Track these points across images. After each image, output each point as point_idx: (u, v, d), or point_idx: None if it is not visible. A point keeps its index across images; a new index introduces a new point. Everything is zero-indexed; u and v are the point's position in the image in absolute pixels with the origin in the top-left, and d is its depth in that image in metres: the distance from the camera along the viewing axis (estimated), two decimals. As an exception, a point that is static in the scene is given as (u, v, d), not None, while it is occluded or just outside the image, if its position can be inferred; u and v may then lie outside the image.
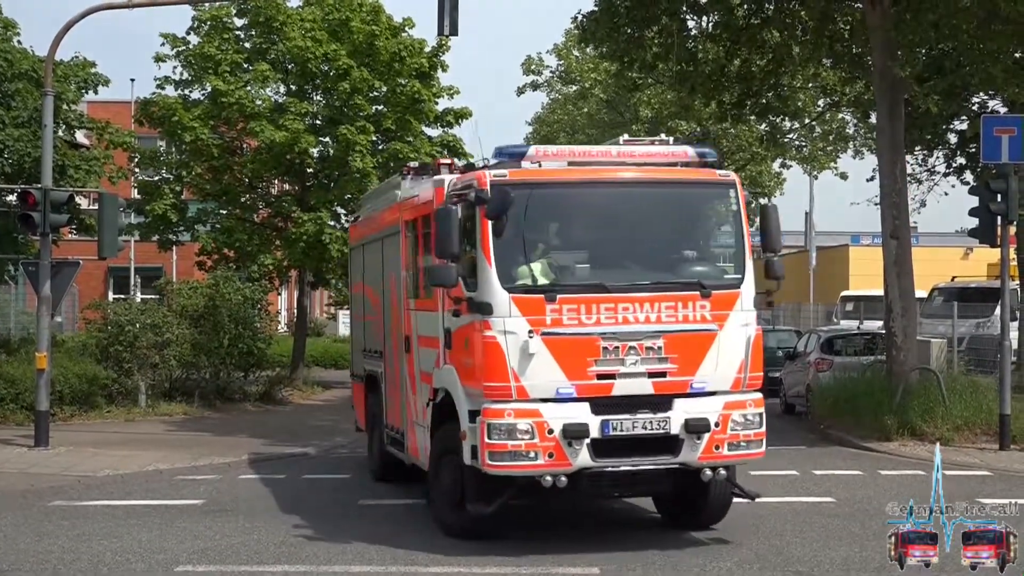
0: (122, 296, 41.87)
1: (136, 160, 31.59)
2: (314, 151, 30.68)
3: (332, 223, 30.03)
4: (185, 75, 30.51)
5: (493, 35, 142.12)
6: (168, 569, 11.28)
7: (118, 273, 47.35)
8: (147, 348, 24.93)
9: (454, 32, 21.68)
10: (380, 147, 30.63)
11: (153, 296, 33.20)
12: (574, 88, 50.10)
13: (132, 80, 49.31)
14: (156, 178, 31.54)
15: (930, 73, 23.96)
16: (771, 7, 25.06)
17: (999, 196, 19.21)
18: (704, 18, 25.77)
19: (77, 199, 28.63)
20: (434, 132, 31.93)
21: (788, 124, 38.39)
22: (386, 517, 14.09)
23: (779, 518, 13.62)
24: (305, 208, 30.07)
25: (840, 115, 38.94)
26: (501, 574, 11.10)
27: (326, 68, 29.96)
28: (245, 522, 13.65)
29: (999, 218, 19.43)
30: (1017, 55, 22.10)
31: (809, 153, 45.47)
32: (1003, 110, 25.98)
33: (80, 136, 32.00)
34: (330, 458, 19.58)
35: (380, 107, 30.83)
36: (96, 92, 30.67)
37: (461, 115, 31.89)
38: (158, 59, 30.48)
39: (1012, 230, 22.19)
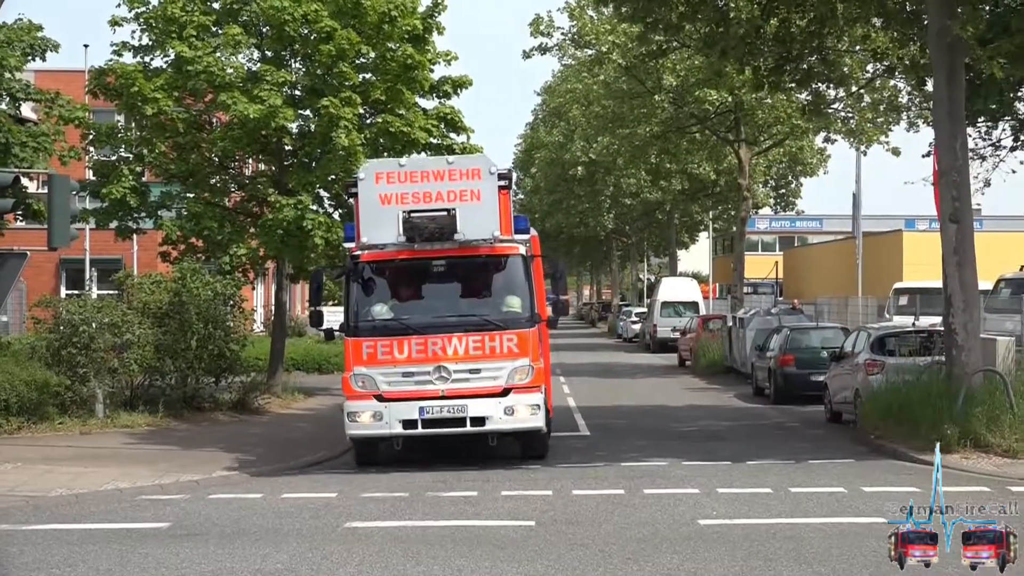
0: (76, 292, 41.66)
1: (91, 137, 31.32)
2: (293, 126, 30.50)
3: (314, 208, 30.00)
4: (145, 40, 30.35)
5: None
6: (129, 602, 11.28)
7: (71, 266, 47.25)
8: (105, 351, 24.91)
9: (451, -10, 21.72)
10: (368, 121, 30.60)
11: (111, 292, 33.18)
12: (589, 53, 50.16)
13: (86, 46, 49.45)
14: (113, 157, 31.44)
15: (995, 33, 23.83)
16: (813, -42, 25.03)
17: (1074, 173, 19.18)
18: (737, -29, 25.77)
19: (23, 181, 28.71)
20: (429, 104, 31.93)
21: (833, 92, 38.25)
22: (371, 540, 14.08)
23: (824, 542, 13.59)
24: (283, 191, 30.00)
25: (892, 82, 38.98)
26: None
27: (306, 31, 29.79)
28: (216, 548, 13.61)
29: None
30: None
31: (857, 125, 45.51)
32: (1079, 75, 25.91)
33: (26, 110, 32.04)
34: (313, 475, 19.58)
35: (368, 75, 30.72)
36: (44, 59, 30.84)
37: (460, 84, 31.80)
38: (114, 22, 30.34)
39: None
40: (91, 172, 32.00)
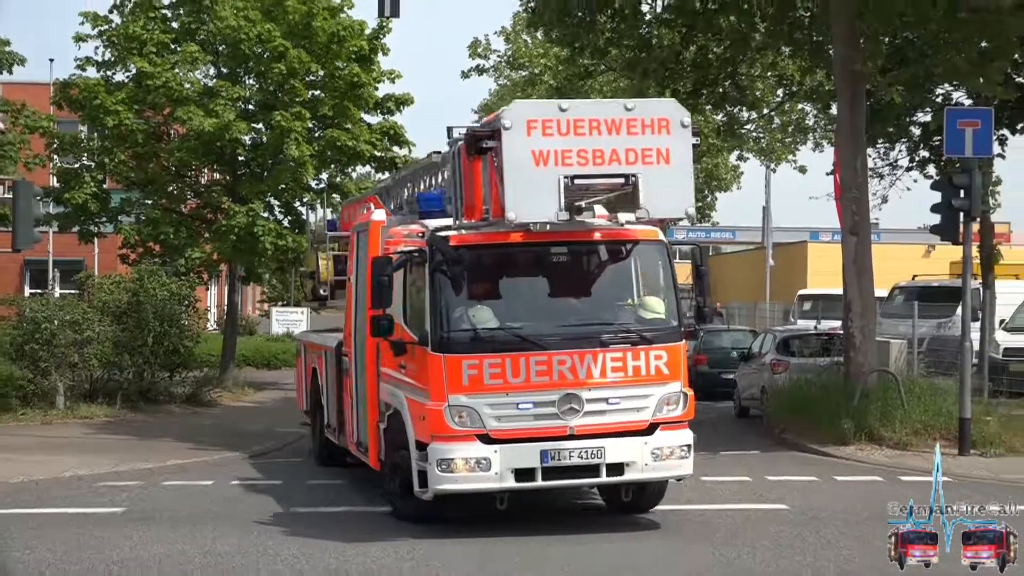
0: (39, 291, 41.40)
1: (55, 146, 30.99)
2: (246, 138, 30.31)
3: (265, 215, 29.82)
4: (108, 56, 30.04)
5: (438, 16, 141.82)
6: (85, 582, 11.18)
7: (35, 266, 46.73)
8: (66, 346, 24.65)
9: (395, 14, 21.80)
10: (317, 134, 30.44)
11: (73, 291, 32.89)
12: (523, 74, 50.12)
13: (51, 60, 48.98)
14: (76, 165, 31.10)
15: (893, 63, 24.20)
16: (729, -5, 25.23)
17: (962, 192, 19.45)
18: (658, 1, 25.92)
19: (-11, 187, 28.35)
20: (374, 119, 31.80)
21: (745, 114, 38.53)
22: (316, 524, 14.04)
23: (731, 526, 13.72)
24: (236, 199, 29.81)
25: (799, 106, 39.23)
26: None
27: (259, 50, 29.61)
28: (168, 531, 13.53)
29: (962, 214, 19.67)
30: (983, 45, 22.34)
31: (767, 145, 45.82)
32: (967, 102, 26.31)
33: (-7, 120, 31.60)
34: (261, 463, 19.43)
35: (317, 92, 30.64)
36: (11, 72, 30.58)
37: (403, 101, 31.72)
38: (78, 39, 30.06)
39: (975, 227, 22.46)
40: (55, 179, 31.72)
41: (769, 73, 32.77)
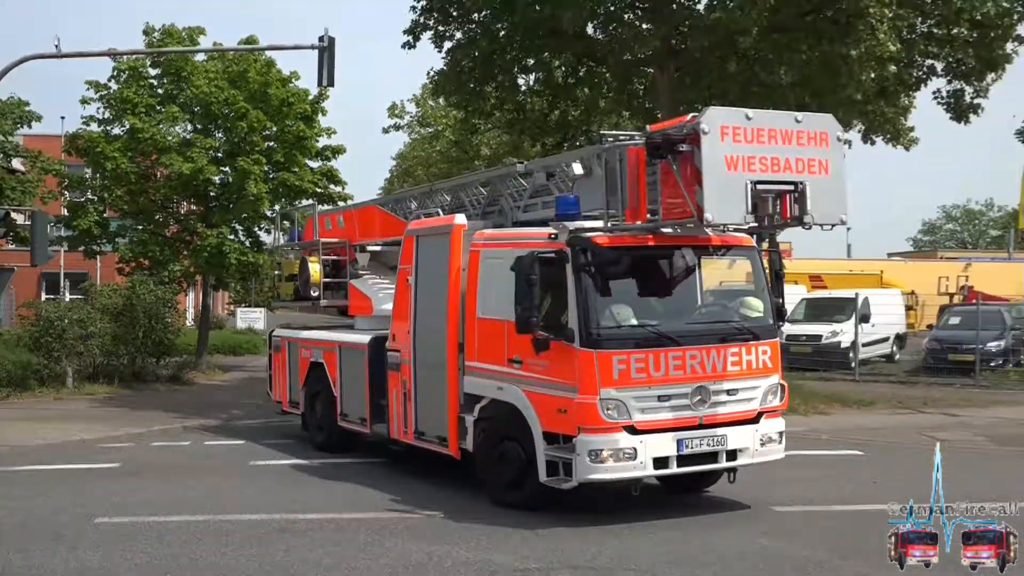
0: (53, 296, 40.60)
1: (65, 183, 30.50)
2: (216, 179, 29.96)
3: (231, 237, 29.59)
4: (107, 114, 29.51)
5: (364, 85, 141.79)
6: (89, 520, 11.08)
7: (49, 278, 45.76)
8: (73, 339, 24.25)
9: (331, 84, 21.76)
10: (271, 176, 30.22)
11: (79, 296, 32.34)
12: (429, 130, 50.27)
13: (62, 117, 48.01)
14: (82, 199, 30.48)
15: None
16: (583, 70, 25.67)
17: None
18: (531, 77, 26.25)
19: (13, 215, 27.77)
20: (315, 164, 31.65)
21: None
22: (270, 474, 14.05)
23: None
24: (208, 225, 29.45)
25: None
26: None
27: (226, 111, 29.32)
28: (154, 481, 13.47)
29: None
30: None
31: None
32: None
33: (16, 163, 30.91)
34: (227, 428, 19.29)
35: (271, 143, 30.35)
36: (30, 127, 29.94)
37: (337, 151, 31.63)
38: (84, 101, 29.46)
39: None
40: (65, 209, 31.00)
41: (615, 130, 33.21)
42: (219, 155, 30.18)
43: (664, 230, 10.99)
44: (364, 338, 14.77)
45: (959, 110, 23.21)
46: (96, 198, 30.08)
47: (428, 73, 26.11)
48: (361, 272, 16.98)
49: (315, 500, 12.14)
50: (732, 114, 10.54)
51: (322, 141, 31.32)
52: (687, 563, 9.38)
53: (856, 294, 30.04)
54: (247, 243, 30.84)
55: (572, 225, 11.04)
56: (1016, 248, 66.28)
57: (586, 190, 11.61)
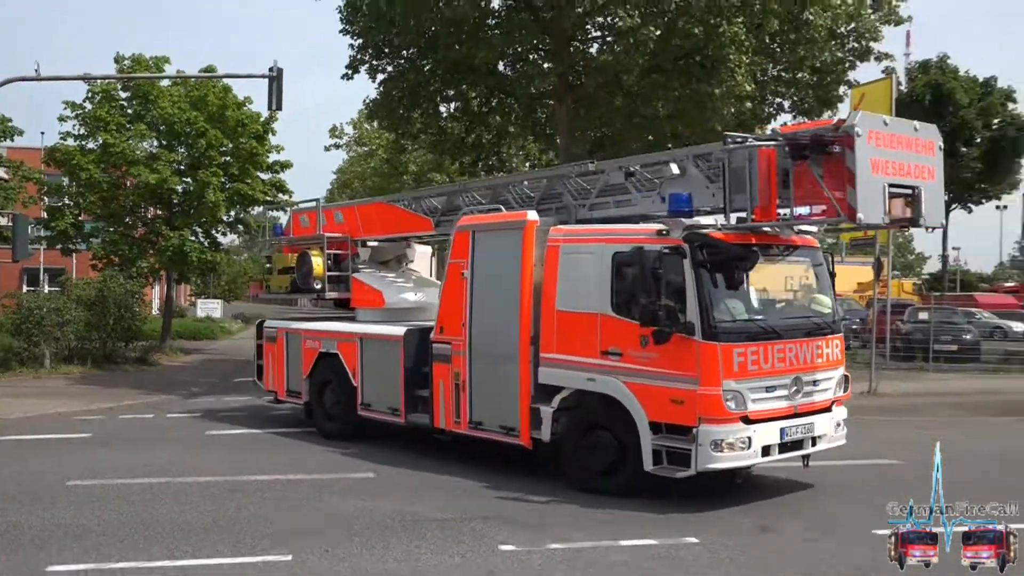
0: (33, 288, 39.05)
1: (44, 190, 29.27)
2: (179, 188, 29.25)
3: (192, 238, 28.90)
4: (82, 131, 28.48)
5: (309, 109, 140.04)
6: (62, 483, 10.67)
7: (30, 272, 43.96)
8: (51, 326, 23.28)
9: (279, 108, 21.35)
10: (227, 186, 29.59)
11: (57, 288, 31.19)
12: (365, 149, 49.77)
13: (42, 133, 46.43)
14: (60, 204, 29.43)
15: (595, 148, 25.05)
16: (495, 101, 25.64)
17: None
18: (451, 105, 26.15)
19: (-3, 218, 26.61)
20: (266, 176, 31.11)
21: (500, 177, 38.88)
22: (223, 443, 13.71)
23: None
24: (172, 228, 28.76)
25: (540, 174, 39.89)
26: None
27: (188, 129, 28.61)
28: (121, 451, 13.01)
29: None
30: (650, 138, 23.43)
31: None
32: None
33: (0, 172, 29.63)
34: (188, 403, 18.76)
35: (228, 158, 29.74)
36: (13, 140, 28.57)
37: (285, 165, 31.06)
38: (61, 119, 28.45)
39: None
40: (45, 213, 29.95)
41: (520, 152, 33.33)
42: (182, 167, 29.47)
43: (764, 230, 9.87)
44: (397, 330, 12.73)
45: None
46: (72, 203, 29.09)
47: (364, 100, 25.97)
48: (360, 266, 15.22)
49: (263, 464, 11.86)
50: (874, 120, 9.44)
51: (272, 157, 30.80)
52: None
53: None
54: (206, 243, 30.20)
55: (688, 221, 9.76)
56: (847, 253, 68.32)
57: (677, 189, 10.33)
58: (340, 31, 23.77)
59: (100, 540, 8.36)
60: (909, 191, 9.45)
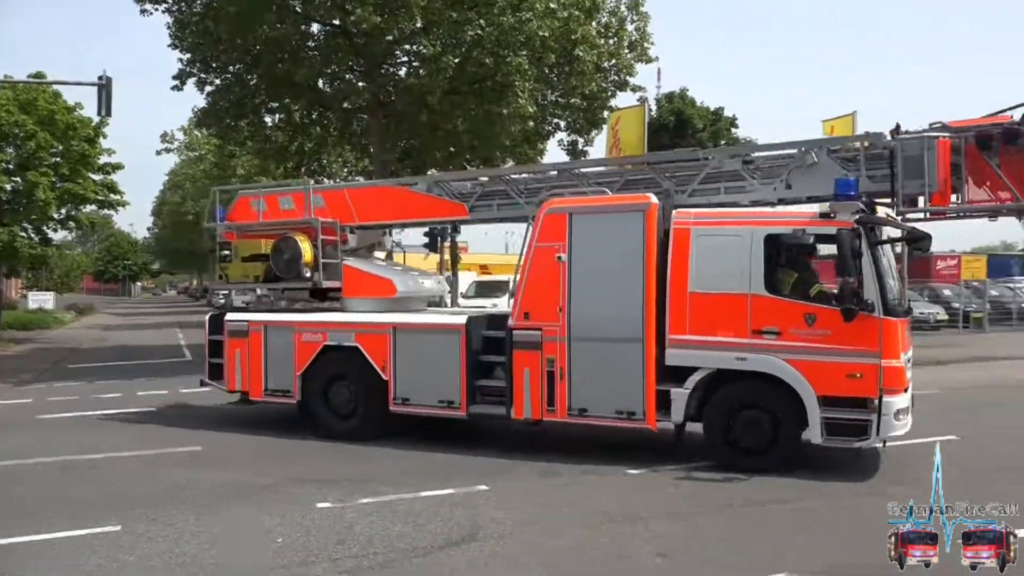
0: None
1: None
2: (8, 187, 26.61)
3: (23, 235, 26.50)
4: None
5: (142, 113, 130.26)
6: None
7: None
8: None
9: (108, 114, 19.95)
10: (58, 185, 27.20)
11: None
12: (195, 153, 47.16)
13: None
14: None
15: (403, 156, 25.02)
16: (315, 113, 24.99)
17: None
18: (275, 116, 25.25)
19: None
20: (98, 177, 28.87)
21: (328, 182, 37.95)
22: (56, 426, 12.60)
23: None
24: (2, 224, 26.12)
25: (359, 178, 39.34)
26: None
27: (18, 131, 26.10)
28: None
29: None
30: (451, 149, 23.62)
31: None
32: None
33: None
34: (16, 389, 17.00)
35: (59, 159, 27.36)
36: None
37: (116, 167, 29.12)
38: None
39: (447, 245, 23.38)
40: None
41: (339, 159, 32.65)
42: (11, 167, 26.78)
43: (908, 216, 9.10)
44: (456, 319, 10.51)
45: (575, 154, 24.83)
46: None
47: (193, 109, 24.47)
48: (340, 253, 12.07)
49: (95, 444, 11.00)
50: None
51: (103, 159, 28.60)
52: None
53: (510, 278, 31.15)
54: (36, 239, 27.64)
55: (857, 205, 8.75)
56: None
57: (807, 176, 9.56)
58: (169, 45, 22.37)
59: (-75, 524, 7.51)
60: None
